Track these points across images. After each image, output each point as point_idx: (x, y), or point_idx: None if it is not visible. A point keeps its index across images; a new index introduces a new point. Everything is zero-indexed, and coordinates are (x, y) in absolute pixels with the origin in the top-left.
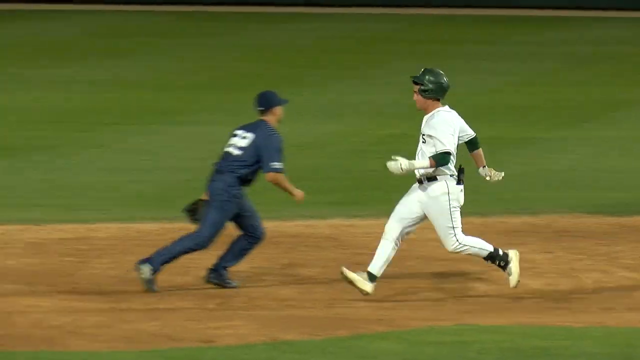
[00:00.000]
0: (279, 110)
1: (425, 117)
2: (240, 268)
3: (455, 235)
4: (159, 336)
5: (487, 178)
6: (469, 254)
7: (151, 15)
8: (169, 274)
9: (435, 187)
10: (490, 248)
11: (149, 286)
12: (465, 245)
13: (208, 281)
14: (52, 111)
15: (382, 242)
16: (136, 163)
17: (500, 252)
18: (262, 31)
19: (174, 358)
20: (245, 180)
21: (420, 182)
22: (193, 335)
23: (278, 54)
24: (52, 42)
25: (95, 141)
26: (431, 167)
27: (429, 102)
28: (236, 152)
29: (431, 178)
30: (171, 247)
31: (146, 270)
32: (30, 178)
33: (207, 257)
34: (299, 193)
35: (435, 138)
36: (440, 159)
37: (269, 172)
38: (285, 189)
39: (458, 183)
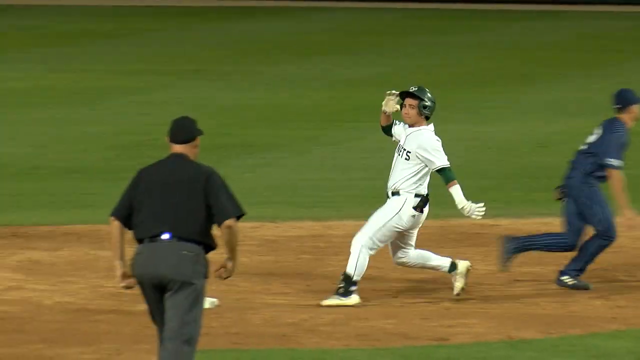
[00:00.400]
0: (635, 108)
1: (411, 132)
2: (476, 267)
3: (370, 238)
4: (393, 334)
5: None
6: (350, 258)
7: (378, 12)
8: (403, 271)
9: (395, 200)
10: (358, 277)
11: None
12: (360, 253)
13: (559, 284)
14: (288, 109)
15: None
16: (371, 161)
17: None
18: (501, 29)
19: (408, 356)
20: (595, 176)
21: (388, 196)
22: (428, 333)
23: (515, 52)
24: (290, 40)
25: (330, 139)
26: (451, 185)
27: (422, 119)
28: (583, 147)
29: (395, 193)
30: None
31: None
32: (267, 175)
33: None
34: (628, 212)
35: (431, 155)
36: (449, 172)
37: (605, 167)
38: (615, 192)
39: (415, 207)
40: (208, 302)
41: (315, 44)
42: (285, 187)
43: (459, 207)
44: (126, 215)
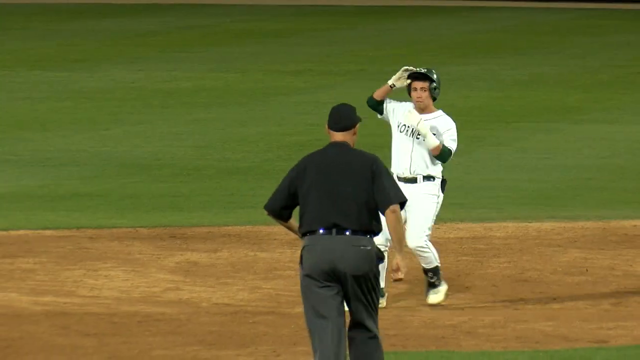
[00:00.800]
0: None
1: (432, 118)
2: (636, 268)
3: (425, 234)
4: (553, 336)
5: None
6: (424, 257)
7: (543, 12)
8: (562, 274)
9: (430, 186)
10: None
11: None
12: (429, 248)
13: None
14: (453, 109)
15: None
16: (535, 162)
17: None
18: None
19: (568, 359)
20: None
21: (414, 180)
22: (587, 335)
23: None
24: (455, 39)
25: (495, 139)
26: (436, 150)
27: (431, 101)
28: None
29: (427, 177)
30: None
31: None
32: None
33: (602, 257)
34: None
35: (448, 136)
36: (447, 153)
37: None
38: None
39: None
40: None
41: (480, 44)
42: (448, 187)
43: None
44: (283, 206)
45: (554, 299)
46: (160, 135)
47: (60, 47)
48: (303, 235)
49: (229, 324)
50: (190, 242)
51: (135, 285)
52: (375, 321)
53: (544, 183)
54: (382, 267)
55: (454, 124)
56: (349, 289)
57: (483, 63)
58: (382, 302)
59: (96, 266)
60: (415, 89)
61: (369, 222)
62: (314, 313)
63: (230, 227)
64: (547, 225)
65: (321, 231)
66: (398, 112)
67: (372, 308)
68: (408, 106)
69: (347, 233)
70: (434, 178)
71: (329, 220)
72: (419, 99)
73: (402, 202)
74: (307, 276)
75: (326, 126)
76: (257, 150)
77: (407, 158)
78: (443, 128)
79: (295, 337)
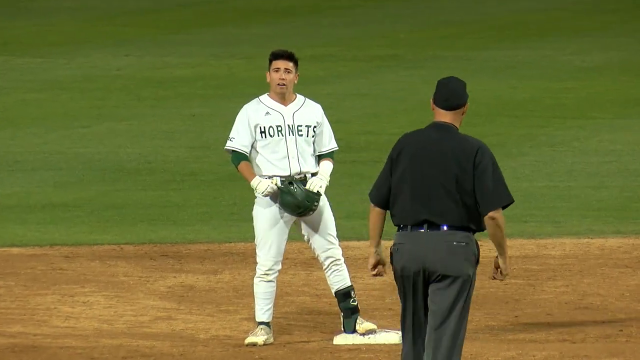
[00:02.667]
0: None
1: (291, 107)
2: None
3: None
4: None
5: None
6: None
7: None
8: (631, 300)
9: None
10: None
11: None
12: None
13: None
14: (499, 103)
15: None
16: (598, 165)
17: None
18: None
19: None
20: None
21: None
22: None
23: None
24: (502, 21)
25: (548, 139)
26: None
27: (291, 87)
28: None
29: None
30: None
31: None
32: None
33: None
34: None
35: (328, 130)
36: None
37: None
38: None
39: None
40: (396, 336)
41: (532, 25)
42: None
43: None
44: (387, 196)
45: (620, 330)
46: (151, 134)
47: (32, 28)
48: (397, 228)
49: (230, 359)
50: (185, 262)
51: (119, 313)
52: (459, 323)
53: (608, 191)
54: None
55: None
56: (436, 289)
57: (536, 47)
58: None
59: (73, 291)
60: (278, 70)
61: (467, 218)
62: (403, 313)
63: (232, 244)
64: (612, 241)
65: (413, 226)
66: (255, 118)
67: (458, 317)
68: (259, 108)
69: (443, 228)
70: (316, 174)
71: (420, 216)
72: (282, 81)
73: (507, 204)
74: (399, 277)
75: (431, 101)
76: None
77: (291, 159)
78: (318, 116)
79: None
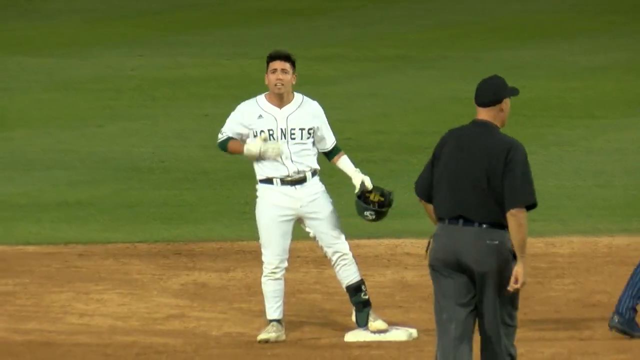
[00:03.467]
0: None
1: (288, 109)
2: None
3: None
4: None
5: None
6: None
7: None
8: None
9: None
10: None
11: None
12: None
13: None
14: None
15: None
16: (605, 164)
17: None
18: None
19: None
20: None
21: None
22: None
23: None
24: (510, 21)
25: (556, 138)
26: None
27: (291, 87)
28: None
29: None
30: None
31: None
32: None
33: None
34: None
35: (326, 126)
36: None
37: None
38: None
39: None
40: (406, 334)
41: (539, 25)
42: None
43: None
44: (429, 190)
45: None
46: (164, 134)
47: (45, 29)
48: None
49: (243, 357)
50: (198, 260)
51: (132, 311)
52: (504, 334)
53: (615, 189)
54: None
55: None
56: (477, 288)
57: (542, 48)
58: (372, 324)
59: (87, 288)
60: (275, 70)
61: (500, 216)
62: (436, 306)
63: (245, 242)
64: (619, 239)
65: (449, 221)
66: (249, 119)
67: (502, 316)
68: (254, 110)
69: (475, 225)
70: (316, 171)
71: (455, 210)
72: (279, 82)
73: (531, 206)
74: (431, 266)
75: (474, 100)
76: None
77: (285, 161)
78: (316, 117)
79: None
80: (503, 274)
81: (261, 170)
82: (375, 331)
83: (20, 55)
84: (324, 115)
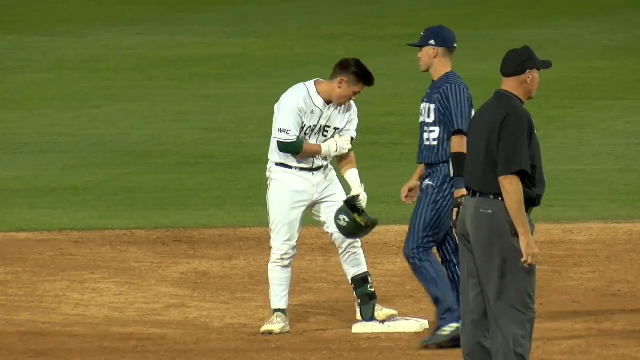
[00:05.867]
0: None
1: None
2: None
3: None
4: None
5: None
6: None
7: None
8: None
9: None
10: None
11: None
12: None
13: None
14: None
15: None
16: (626, 148)
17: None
18: None
19: None
20: None
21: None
22: None
23: None
24: None
25: (575, 120)
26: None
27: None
28: None
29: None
30: None
31: None
32: None
33: None
34: None
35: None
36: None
37: None
38: None
39: None
40: (417, 325)
41: (557, 2)
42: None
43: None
44: None
45: None
46: (163, 115)
47: (40, 6)
48: None
49: (246, 350)
50: (198, 247)
51: (130, 301)
52: (510, 319)
53: (637, 174)
54: None
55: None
56: (481, 262)
57: (562, 26)
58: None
59: (83, 277)
60: (357, 93)
61: (496, 184)
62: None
63: (248, 229)
64: None
65: (467, 193)
66: (303, 114)
67: (499, 288)
68: (308, 105)
69: (477, 196)
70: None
71: (467, 183)
72: (350, 100)
73: (520, 171)
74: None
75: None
76: None
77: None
78: (353, 116)
79: None
80: (496, 246)
81: (288, 157)
82: (385, 319)
83: (14, 33)
84: (357, 119)
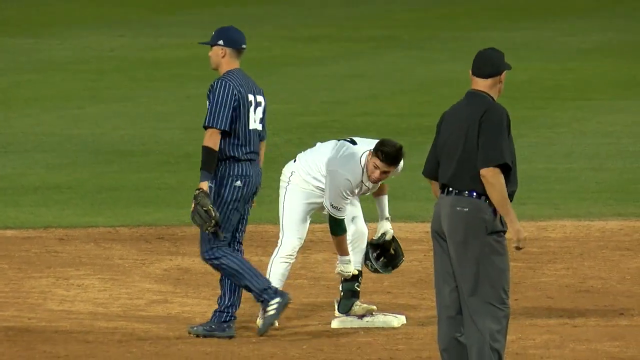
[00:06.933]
0: None
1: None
2: None
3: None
4: (619, 359)
5: None
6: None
7: None
8: (632, 283)
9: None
10: None
11: None
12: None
13: None
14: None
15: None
16: (598, 147)
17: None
18: None
19: None
20: None
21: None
22: None
23: None
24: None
25: (547, 120)
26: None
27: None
28: None
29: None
30: None
31: None
32: None
33: None
34: None
35: None
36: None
37: None
38: None
39: None
40: (395, 320)
41: (531, 5)
42: None
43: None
44: (436, 168)
45: (621, 313)
46: (145, 115)
47: (24, 9)
48: None
49: (227, 344)
50: (181, 244)
51: (114, 296)
52: (485, 312)
53: (608, 173)
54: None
55: None
56: (457, 258)
57: (535, 28)
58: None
59: (67, 274)
60: (385, 173)
61: (474, 183)
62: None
63: None
64: (612, 224)
65: (441, 192)
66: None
67: (474, 284)
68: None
69: (453, 193)
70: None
71: (442, 180)
72: (381, 179)
73: (501, 165)
74: (431, 236)
75: (470, 71)
76: None
77: None
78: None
79: (307, 359)
80: (472, 244)
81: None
82: (364, 314)
83: (0, 36)
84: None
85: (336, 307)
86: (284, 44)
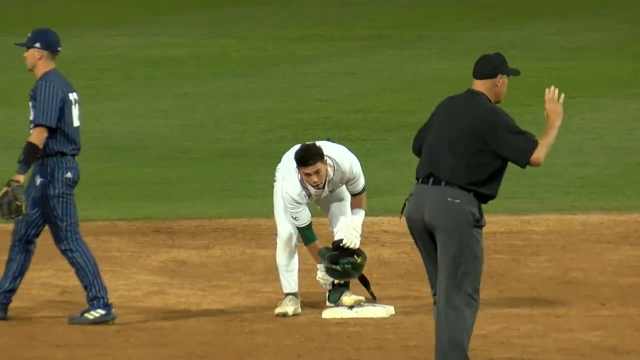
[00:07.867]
0: None
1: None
2: None
3: None
4: (601, 348)
5: None
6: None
7: None
8: (613, 275)
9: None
10: None
11: None
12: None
13: None
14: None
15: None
16: (580, 143)
17: None
18: None
19: None
20: None
21: None
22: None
23: None
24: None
25: (533, 117)
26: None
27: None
28: None
29: None
30: None
31: None
32: None
33: None
34: None
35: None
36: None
37: None
38: None
39: None
40: (383, 311)
41: (515, 5)
42: None
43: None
44: (421, 147)
45: (603, 304)
46: (144, 112)
47: (25, 8)
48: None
49: (222, 334)
50: (177, 237)
51: (112, 288)
52: (459, 291)
53: (590, 168)
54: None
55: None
56: (438, 245)
57: (519, 28)
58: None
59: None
60: (309, 175)
61: (468, 178)
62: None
63: (223, 220)
64: (594, 217)
65: (422, 180)
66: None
67: (457, 272)
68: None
69: (442, 184)
70: None
71: (428, 169)
72: (316, 183)
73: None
74: (408, 226)
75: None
76: (255, 130)
77: None
78: (349, 175)
79: (300, 348)
80: (458, 233)
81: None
82: (353, 304)
83: (1, 34)
84: (354, 171)
85: (327, 297)
86: (278, 43)
